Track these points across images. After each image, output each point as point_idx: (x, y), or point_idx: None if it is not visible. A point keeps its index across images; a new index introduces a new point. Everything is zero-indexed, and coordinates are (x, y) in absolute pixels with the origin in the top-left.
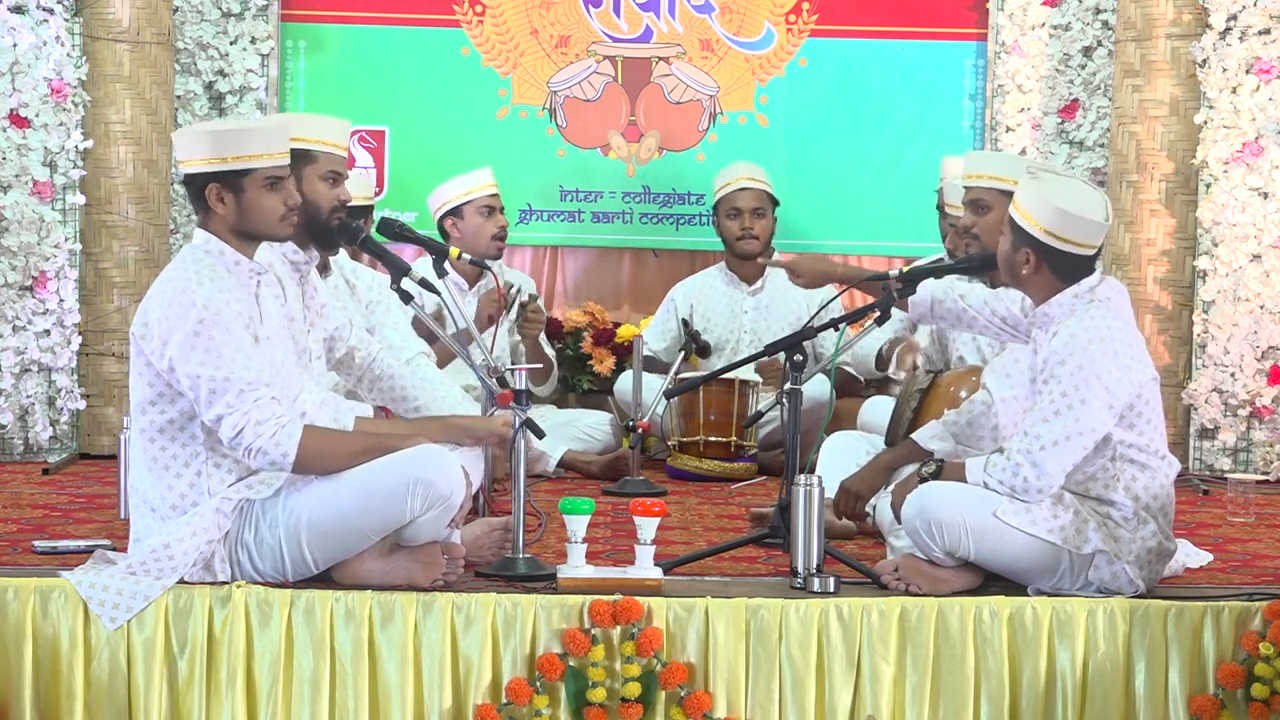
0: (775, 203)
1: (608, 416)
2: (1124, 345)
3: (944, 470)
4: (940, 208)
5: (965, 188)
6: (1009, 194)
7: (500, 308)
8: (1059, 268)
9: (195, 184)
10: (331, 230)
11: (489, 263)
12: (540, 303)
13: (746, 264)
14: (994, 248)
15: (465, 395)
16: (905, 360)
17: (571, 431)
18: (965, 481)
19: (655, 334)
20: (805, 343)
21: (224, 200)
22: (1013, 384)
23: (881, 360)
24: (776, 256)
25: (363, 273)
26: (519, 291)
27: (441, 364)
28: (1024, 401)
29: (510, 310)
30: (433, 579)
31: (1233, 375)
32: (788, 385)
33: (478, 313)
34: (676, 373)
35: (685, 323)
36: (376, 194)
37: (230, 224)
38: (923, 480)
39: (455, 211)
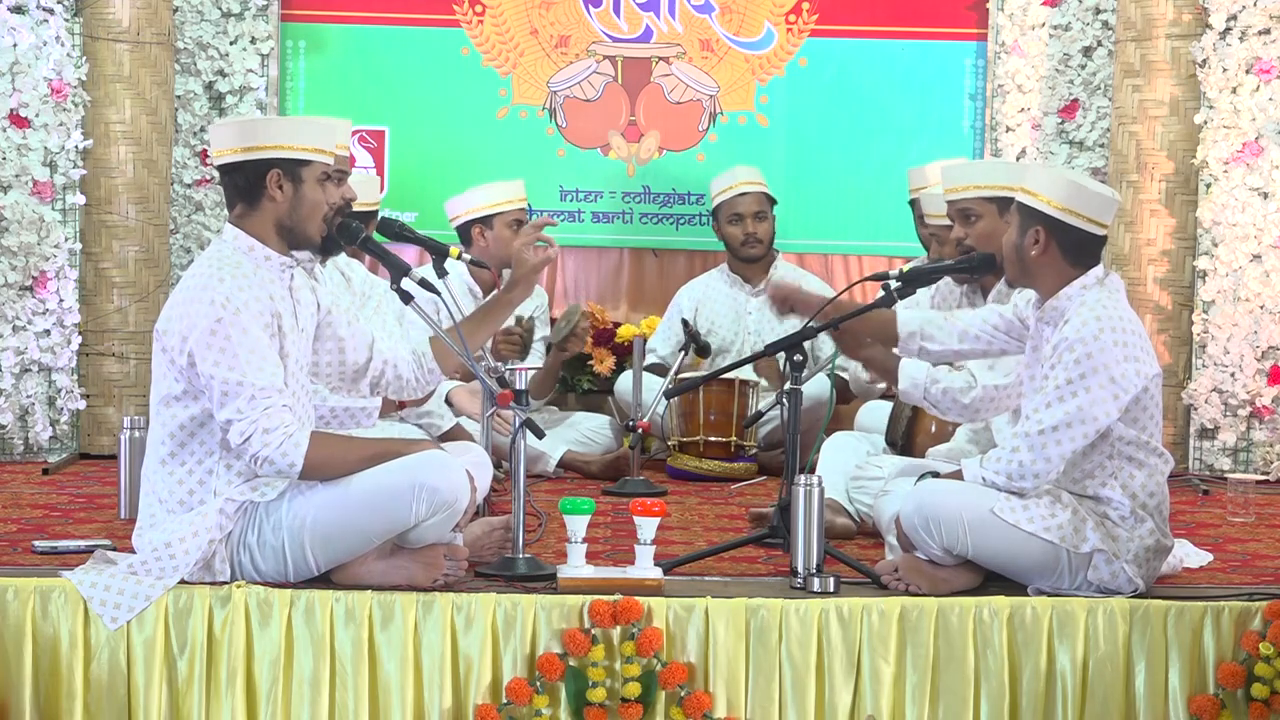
0: (773, 202)
1: (608, 419)
2: (1133, 337)
3: (940, 477)
4: (919, 218)
5: (949, 202)
6: (995, 200)
7: (518, 348)
8: (1069, 248)
9: (248, 171)
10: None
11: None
12: (589, 322)
13: (749, 266)
14: (990, 251)
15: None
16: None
17: (572, 434)
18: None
19: (661, 339)
20: (804, 343)
21: (283, 188)
22: (995, 375)
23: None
24: (780, 274)
25: (356, 266)
26: (532, 321)
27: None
28: (1013, 389)
29: (527, 348)
30: (433, 580)
31: (1233, 375)
32: (788, 385)
33: (494, 349)
34: (677, 373)
35: (685, 322)
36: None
37: (280, 215)
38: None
39: (485, 221)
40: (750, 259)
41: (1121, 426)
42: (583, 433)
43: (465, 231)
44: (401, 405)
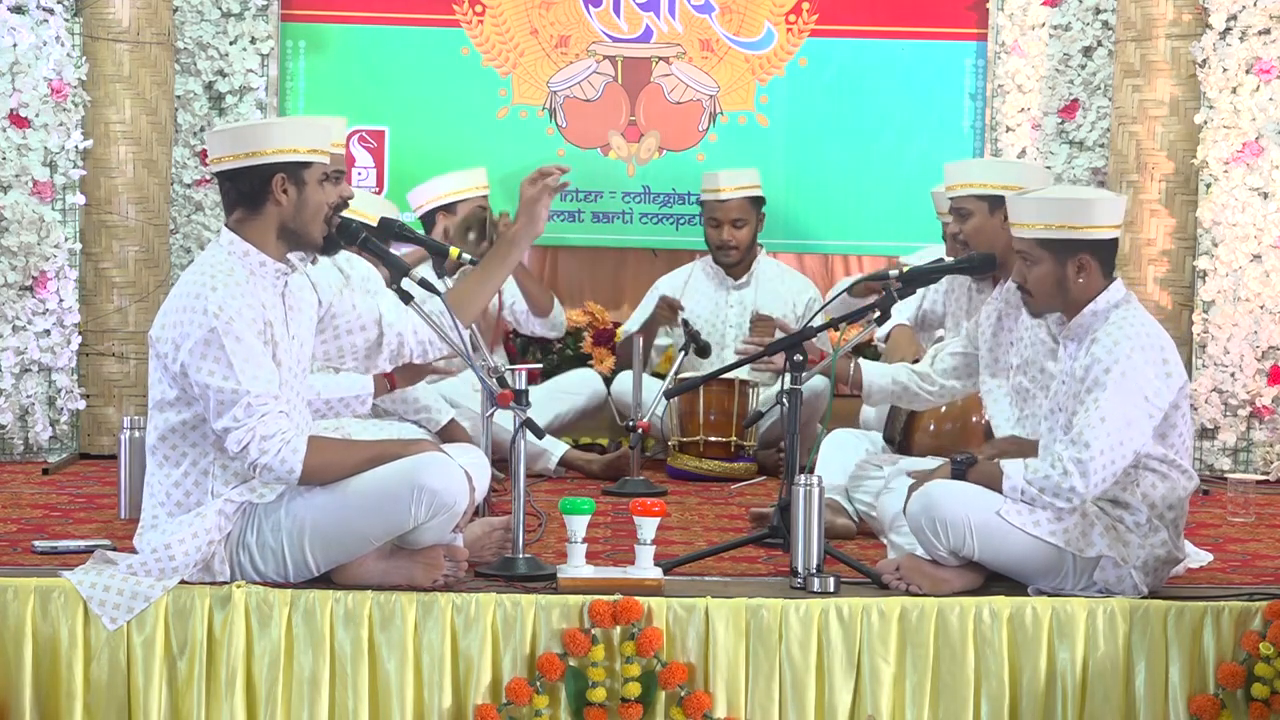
0: (761, 201)
1: (588, 372)
2: (1161, 352)
3: (977, 466)
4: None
5: (949, 199)
6: (986, 198)
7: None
8: (1105, 259)
9: (252, 177)
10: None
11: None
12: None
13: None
14: (980, 249)
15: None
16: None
17: (554, 396)
18: (999, 479)
19: (635, 321)
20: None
21: (288, 192)
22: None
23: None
24: (762, 269)
25: (357, 263)
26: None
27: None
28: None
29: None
30: (433, 580)
31: (1233, 375)
32: (788, 385)
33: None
34: (676, 373)
35: (685, 323)
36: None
37: (285, 218)
38: (955, 465)
39: (449, 208)
40: (724, 264)
41: (1150, 443)
42: (565, 390)
43: (429, 219)
44: (393, 385)
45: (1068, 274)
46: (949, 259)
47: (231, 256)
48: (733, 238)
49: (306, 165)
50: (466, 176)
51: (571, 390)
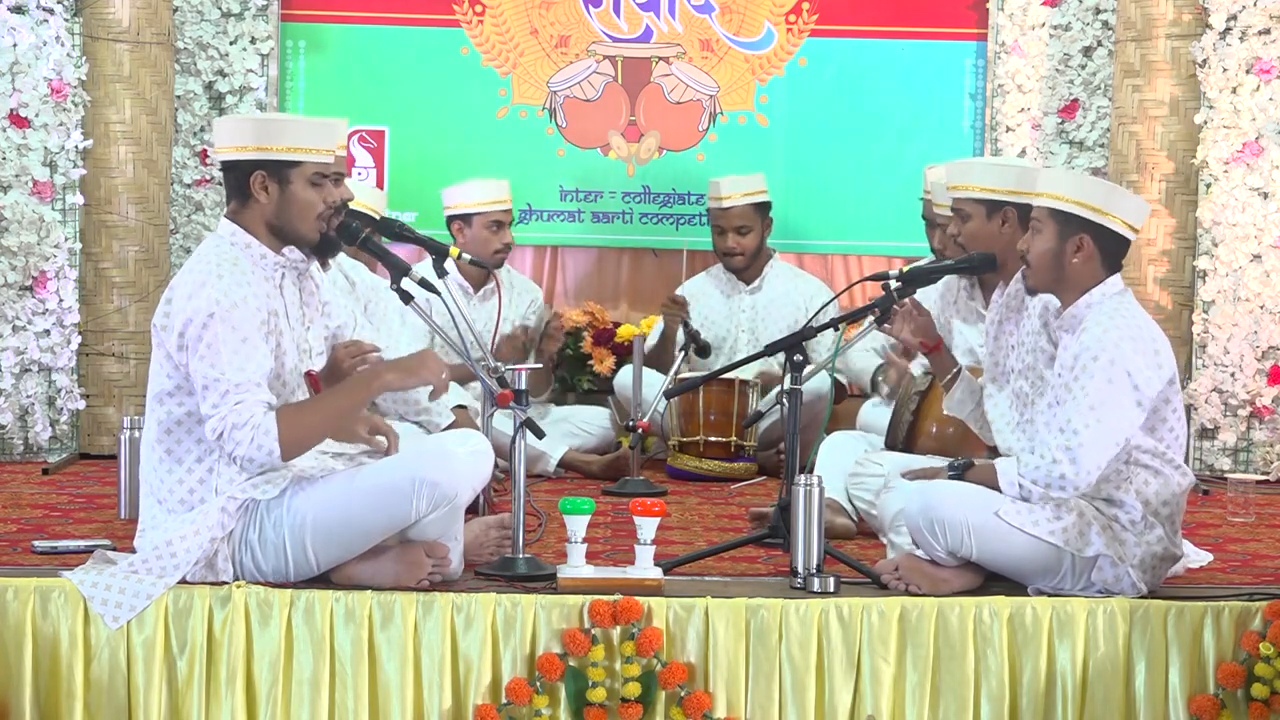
0: (767, 206)
1: (605, 411)
2: (1151, 342)
3: (974, 469)
4: (927, 217)
5: (952, 198)
6: (984, 202)
7: (522, 352)
8: (1109, 253)
9: (238, 171)
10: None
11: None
12: (560, 321)
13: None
14: (979, 251)
15: (462, 393)
16: (891, 379)
17: (567, 427)
18: (996, 480)
19: (657, 334)
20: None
21: (267, 190)
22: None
23: (876, 385)
24: (775, 274)
25: (362, 271)
26: (533, 323)
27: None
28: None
29: (528, 351)
30: (418, 580)
31: (1233, 375)
32: (787, 385)
33: (497, 353)
34: (676, 372)
35: (685, 323)
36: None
37: (268, 216)
38: (953, 470)
39: (464, 218)
40: (730, 269)
41: (1140, 434)
42: (578, 425)
43: (448, 224)
44: (316, 387)
45: (1065, 251)
46: (949, 259)
47: (234, 248)
48: (737, 244)
49: (294, 164)
50: (483, 188)
51: (584, 429)
